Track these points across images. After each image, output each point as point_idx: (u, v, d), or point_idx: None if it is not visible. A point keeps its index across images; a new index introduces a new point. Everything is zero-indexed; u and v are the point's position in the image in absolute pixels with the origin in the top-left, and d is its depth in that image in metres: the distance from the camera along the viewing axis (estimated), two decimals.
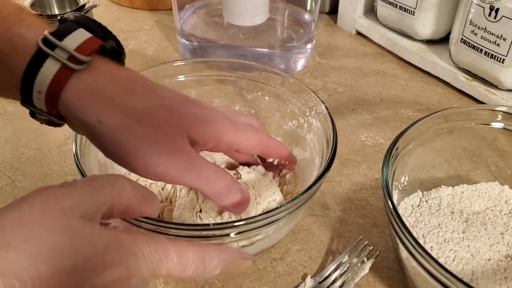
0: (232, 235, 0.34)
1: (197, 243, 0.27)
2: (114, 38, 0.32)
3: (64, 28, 0.30)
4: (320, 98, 0.43)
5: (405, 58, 0.68)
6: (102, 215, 0.24)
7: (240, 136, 0.36)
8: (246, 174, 0.41)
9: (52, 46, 0.29)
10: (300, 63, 0.66)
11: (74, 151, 0.37)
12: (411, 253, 0.33)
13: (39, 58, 0.29)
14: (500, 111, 0.44)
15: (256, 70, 0.47)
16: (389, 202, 0.35)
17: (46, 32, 0.29)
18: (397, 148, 0.39)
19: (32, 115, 0.32)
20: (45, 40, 0.29)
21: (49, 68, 0.29)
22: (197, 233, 0.33)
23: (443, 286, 0.32)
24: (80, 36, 0.30)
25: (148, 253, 0.24)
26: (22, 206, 0.21)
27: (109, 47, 0.32)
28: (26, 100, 0.30)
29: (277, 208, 0.34)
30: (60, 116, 0.31)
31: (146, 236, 0.25)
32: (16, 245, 0.20)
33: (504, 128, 0.45)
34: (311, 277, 0.41)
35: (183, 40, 0.68)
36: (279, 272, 0.42)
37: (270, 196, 0.40)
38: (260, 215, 0.33)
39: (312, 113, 0.44)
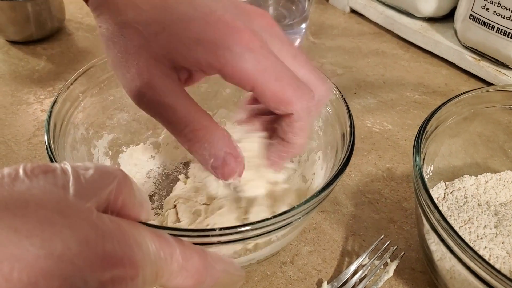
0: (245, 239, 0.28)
1: (198, 247, 0.22)
2: None
3: None
4: (330, 79, 0.38)
5: (406, 37, 0.63)
6: (96, 208, 0.19)
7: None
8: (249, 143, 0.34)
9: None
10: (296, 44, 0.60)
11: (46, 143, 0.31)
12: (454, 254, 0.28)
13: None
14: None
15: None
16: (426, 194, 0.30)
17: None
18: (426, 133, 0.35)
19: None
20: None
21: None
22: (202, 239, 0.28)
23: None
24: None
25: (154, 248, 0.19)
26: (2, 172, 0.18)
27: None
28: None
29: (290, 210, 0.28)
30: None
31: (149, 229, 0.20)
32: None
33: None
34: (328, 283, 0.36)
35: None
36: (291, 278, 0.37)
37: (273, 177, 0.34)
38: (271, 218, 0.28)
39: None
